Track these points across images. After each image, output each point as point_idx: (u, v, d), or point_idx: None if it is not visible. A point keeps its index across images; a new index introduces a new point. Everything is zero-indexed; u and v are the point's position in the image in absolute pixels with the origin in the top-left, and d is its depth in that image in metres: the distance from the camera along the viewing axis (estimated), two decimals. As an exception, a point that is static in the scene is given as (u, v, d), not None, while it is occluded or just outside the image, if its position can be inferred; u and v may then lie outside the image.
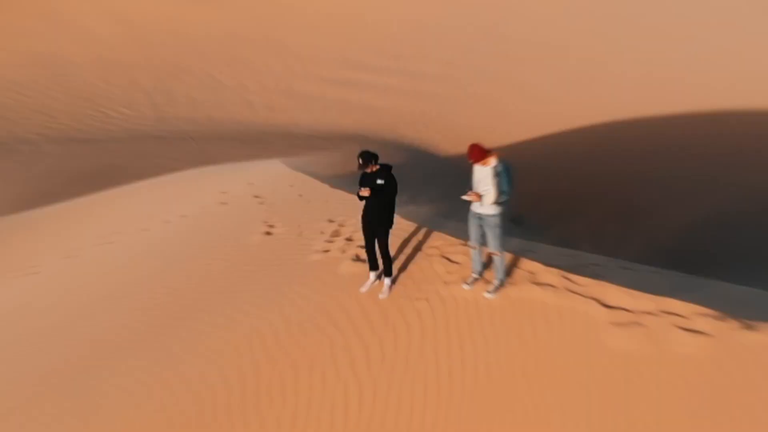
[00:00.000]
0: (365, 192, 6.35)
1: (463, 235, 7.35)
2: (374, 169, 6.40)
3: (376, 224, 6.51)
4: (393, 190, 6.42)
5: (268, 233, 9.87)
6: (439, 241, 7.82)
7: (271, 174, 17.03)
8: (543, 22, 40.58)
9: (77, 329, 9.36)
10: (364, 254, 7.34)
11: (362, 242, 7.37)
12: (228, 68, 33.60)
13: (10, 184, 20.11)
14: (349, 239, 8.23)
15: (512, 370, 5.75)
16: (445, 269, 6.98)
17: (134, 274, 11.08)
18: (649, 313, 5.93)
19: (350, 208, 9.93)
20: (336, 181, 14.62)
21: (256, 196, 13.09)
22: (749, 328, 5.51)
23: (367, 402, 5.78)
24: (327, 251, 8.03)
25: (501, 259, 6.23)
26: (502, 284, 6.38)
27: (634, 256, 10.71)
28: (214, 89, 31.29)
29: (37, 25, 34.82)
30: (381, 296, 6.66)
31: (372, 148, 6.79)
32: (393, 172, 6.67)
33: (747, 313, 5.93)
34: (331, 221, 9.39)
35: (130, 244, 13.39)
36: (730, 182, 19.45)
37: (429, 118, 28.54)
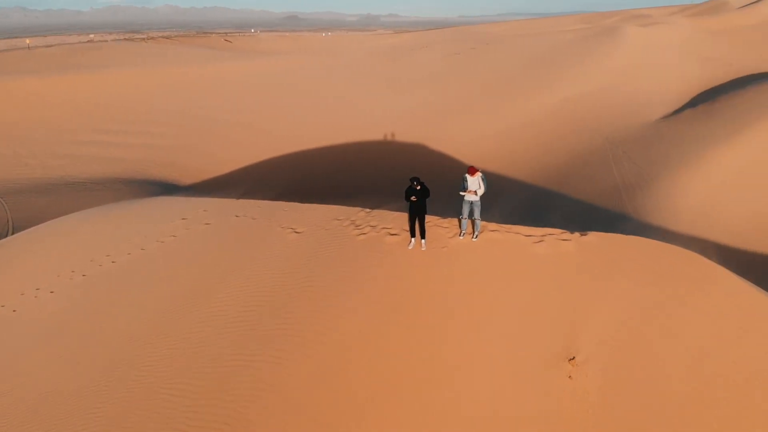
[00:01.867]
0: (414, 198, 12.06)
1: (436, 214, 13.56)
2: (418, 187, 12.10)
3: (420, 213, 12.24)
4: (427, 194, 12.21)
5: (297, 232, 14.56)
6: (429, 218, 13.86)
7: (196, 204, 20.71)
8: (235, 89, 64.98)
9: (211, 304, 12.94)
10: (394, 231, 13.05)
11: (385, 226, 13.08)
12: (3, 142, 46.19)
13: None
14: (374, 226, 13.68)
15: (489, 271, 12.16)
16: (444, 232, 13.08)
17: (229, 263, 14.43)
18: (543, 235, 12.84)
19: (330, 211, 15.30)
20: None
21: (237, 215, 17.18)
22: (585, 234, 12.74)
23: (441, 289, 11.66)
24: (365, 233, 13.39)
25: (479, 222, 12.58)
26: (478, 234, 12.73)
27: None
28: (-6, 158, 42.72)
29: None
30: (423, 249, 12.50)
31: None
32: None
33: (580, 228, 13.24)
34: (338, 219, 14.61)
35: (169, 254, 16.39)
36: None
37: (166, 161, 42.89)
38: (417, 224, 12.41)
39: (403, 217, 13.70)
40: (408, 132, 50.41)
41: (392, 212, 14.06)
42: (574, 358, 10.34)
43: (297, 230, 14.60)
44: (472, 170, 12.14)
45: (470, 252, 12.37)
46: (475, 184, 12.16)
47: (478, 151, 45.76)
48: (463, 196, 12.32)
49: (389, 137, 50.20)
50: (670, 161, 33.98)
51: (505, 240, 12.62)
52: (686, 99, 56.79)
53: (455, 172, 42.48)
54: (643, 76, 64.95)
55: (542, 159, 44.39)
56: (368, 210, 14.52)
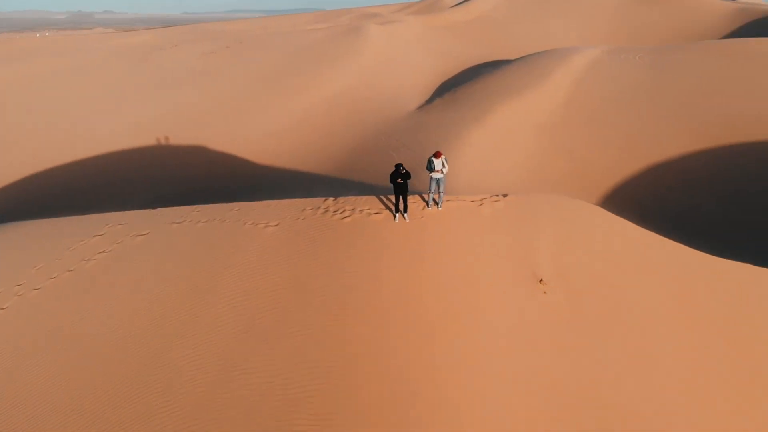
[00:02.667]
0: (400, 180, 14.60)
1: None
2: (403, 171, 14.64)
3: (404, 192, 14.80)
4: (409, 177, 14.80)
5: (272, 226, 15.74)
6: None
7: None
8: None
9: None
10: (374, 211, 15.40)
11: (362, 208, 15.44)
12: None
13: None
14: (352, 209, 15.70)
15: (460, 229, 15.43)
16: (413, 206, 15.86)
17: (213, 263, 14.77)
18: (480, 200, 16.48)
19: (294, 208, 16.91)
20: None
21: (176, 222, 17.38)
22: (506, 195, 16.72)
23: (432, 254, 14.49)
24: (348, 216, 15.37)
25: (443, 194, 15.65)
26: (441, 203, 15.80)
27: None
28: None
29: None
30: (406, 220, 15.11)
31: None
32: None
33: (499, 192, 17.19)
34: (307, 209, 16.22)
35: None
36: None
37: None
38: (401, 202, 15.05)
39: (371, 199, 16.16)
40: (183, 133, 49.22)
41: (360, 197, 16.32)
42: (542, 279, 14.25)
43: (271, 224, 15.92)
44: (438, 154, 15.19)
45: (441, 218, 15.50)
46: (439, 164, 15.23)
47: (262, 149, 47.24)
48: (431, 175, 15.32)
49: (164, 141, 48.70)
50: (436, 145, 39.90)
51: (459, 206, 16.00)
52: (432, 89, 65.89)
53: (246, 170, 44.47)
54: (393, 70, 73.11)
55: (326, 152, 47.95)
56: (334, 198, 16.51)
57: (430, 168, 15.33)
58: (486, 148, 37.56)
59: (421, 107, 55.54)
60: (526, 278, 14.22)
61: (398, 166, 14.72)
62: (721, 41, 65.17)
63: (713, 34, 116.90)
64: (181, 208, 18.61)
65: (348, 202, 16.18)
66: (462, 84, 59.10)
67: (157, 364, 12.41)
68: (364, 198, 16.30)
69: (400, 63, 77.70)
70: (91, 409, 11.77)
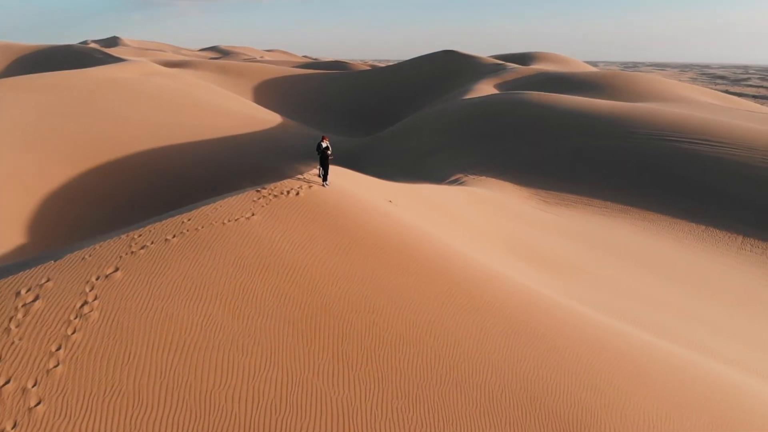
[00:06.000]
0: (328, 153, 19.10)
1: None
2: (324, 143, 19.01)
3: (327, 162, 19.18)
4: (327, 150, 19.15)
5: (248, 217, 16.50)
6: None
7: None
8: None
9: None
10: (309, 185, 19.06)
11: (291, 187, 19.09)
12: None
13: None
14: (290, 189, 18.13)
15: (345, 186, 21.42)
16: (313, 179, 20.02)
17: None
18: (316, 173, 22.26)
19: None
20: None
21: (144, 246, 14.65)
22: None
23: (363, 199, 20.34)
24: (298, 193, 18.07)
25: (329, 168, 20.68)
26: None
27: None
28: None
29: None
30: (328, 186, 19.48)
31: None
32: None
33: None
34: (254, 200, 17.34)
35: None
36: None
37: None
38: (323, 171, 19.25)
39: (288, 182, 19.29)
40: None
41: (278, 182, 18.96)
42: (391, 201, 22.67)
43: (245, 216, 16.73)
44: (325, 138, 20.08)
45: (337, 181, 20.65)
46: (328, 145, 20.17)
47: None
48: (318, 153, 19.99)
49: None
50: None
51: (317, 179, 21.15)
52: None
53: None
54: None
55: None
56: (258, 188, 18.44)
57: (322, 148, 20.25)
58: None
59: None
60: (384, 199, 22.43)
61: (321, 143, 19.33)
62: (39, 75, 73.42)
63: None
64: (132, 234, 15.57)
65: (275, 189, 18.69)
66: None
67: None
68: (276, 182, 19.17)
69: None
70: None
